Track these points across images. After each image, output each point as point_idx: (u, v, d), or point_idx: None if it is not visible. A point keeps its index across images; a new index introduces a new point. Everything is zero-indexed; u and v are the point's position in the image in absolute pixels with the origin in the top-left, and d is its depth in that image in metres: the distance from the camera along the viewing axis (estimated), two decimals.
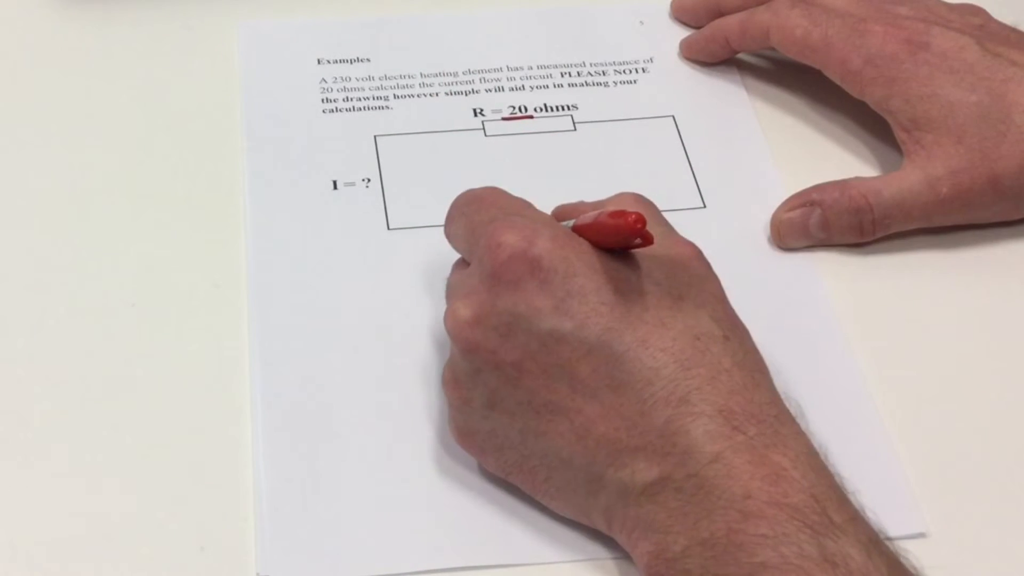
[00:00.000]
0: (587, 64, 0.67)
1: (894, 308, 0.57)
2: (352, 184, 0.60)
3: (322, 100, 0.64)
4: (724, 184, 0.61)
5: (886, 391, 0.53)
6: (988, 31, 0.60)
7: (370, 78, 0.65)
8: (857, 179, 0.59)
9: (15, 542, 0.48)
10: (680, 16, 0.69)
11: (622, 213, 0.45)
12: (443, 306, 0.55)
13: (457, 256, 0.53)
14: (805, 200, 0.58)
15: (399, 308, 0.55)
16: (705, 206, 0.60)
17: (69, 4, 0.68)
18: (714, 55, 0.66)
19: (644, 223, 0.44)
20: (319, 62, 0.66)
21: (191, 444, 0.51)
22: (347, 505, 0.49)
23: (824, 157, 0.62)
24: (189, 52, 0.67)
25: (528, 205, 0.49)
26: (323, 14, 0.69)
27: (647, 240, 0.44)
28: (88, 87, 0.65)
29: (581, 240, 0.46)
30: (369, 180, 0.60)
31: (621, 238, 0.45)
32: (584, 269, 0.45)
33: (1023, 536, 0.49)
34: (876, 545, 0.41)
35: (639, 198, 0.51)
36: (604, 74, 0.66)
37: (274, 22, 0.68)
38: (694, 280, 0.47)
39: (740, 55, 0.67)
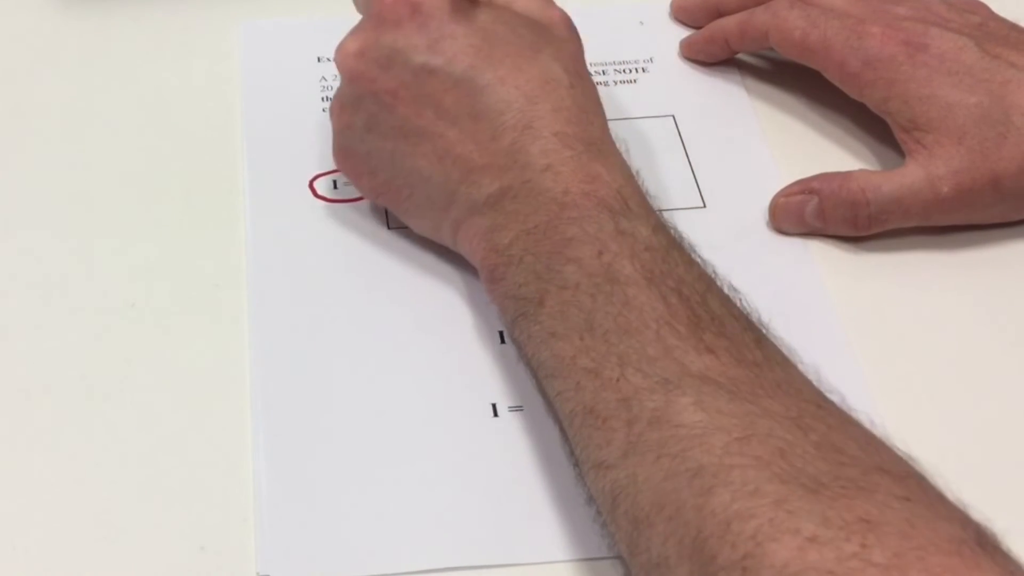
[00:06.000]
0: (587, 64, 0.66)
1: (894, 307, 0.57)
2: (352, 183, 0.60)
3: (322, 99, 0.64)
4: (724, 184, 0.61)
5: (885, 390, 0.53)
6: (987, 30, 0.60)
7: None
8: (862, 171, 0.59)
9: (15, 542, 0.48)
10: (680, 16, 0.69)
11: None
12: (441, 304, 0.55)
13: None
14: (805, 188, 0.58)
15: (398, 308, 0.55)
16: (705, 206, 0.60)
17: (69, 4, 0.69)
18: (713, 55, 0.66)
19: None
20: (319, 60, 0.66)
21: (191, 444, 0.51)
22: (347, 505, 0.49)
23: (824, 157, 0.62)
24: (189, 52, 0.67)
25: None
26: (323, 13, 0.69)
27: None
28: (88, 87, 0.65)
29: None
30: None
31: None
32: (458, 16, 0.53)
33: (1023, 536, 0.49)
34: (663, 228, 0.49)
35: None
36: (604, 74, 0.66)
37: (274, 21, 0.68)
38: (555, 40, 0.54)
39: (740, 55, 0.67)
